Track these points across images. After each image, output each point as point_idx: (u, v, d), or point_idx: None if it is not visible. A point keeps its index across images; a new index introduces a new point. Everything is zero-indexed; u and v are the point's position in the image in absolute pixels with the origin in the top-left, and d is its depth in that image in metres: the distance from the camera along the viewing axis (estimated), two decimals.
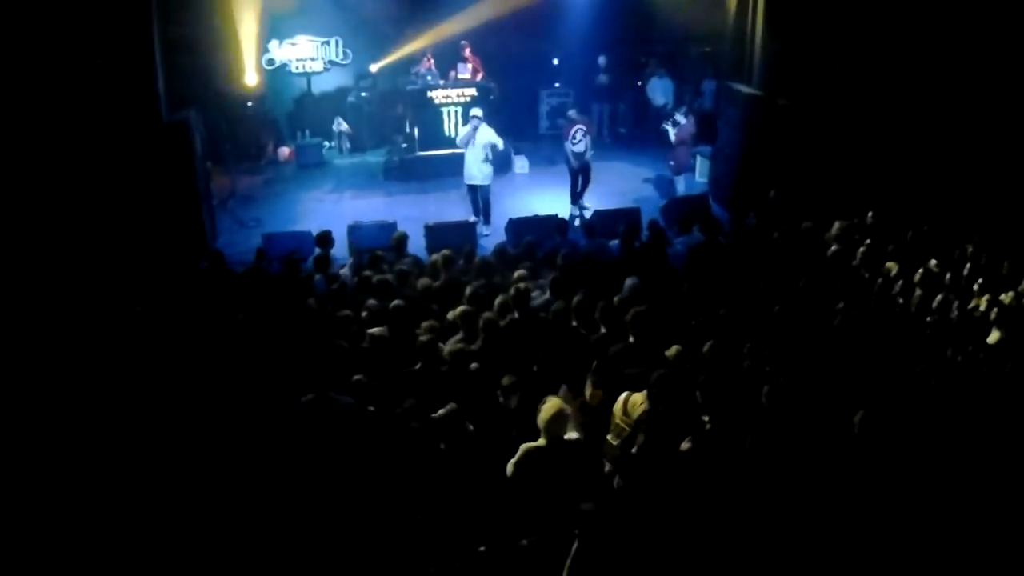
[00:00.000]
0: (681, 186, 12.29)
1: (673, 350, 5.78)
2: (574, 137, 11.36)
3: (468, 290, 6.85)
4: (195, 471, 4.82)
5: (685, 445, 4.72)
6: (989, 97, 9.58)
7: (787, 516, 4.31)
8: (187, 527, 4.36)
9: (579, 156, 11.40)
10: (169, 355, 6.24)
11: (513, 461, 4.74)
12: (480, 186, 11.04)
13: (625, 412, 5.09)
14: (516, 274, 7.28)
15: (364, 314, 6.59)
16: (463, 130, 11.13)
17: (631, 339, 5.88)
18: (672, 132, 12.13)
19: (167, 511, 4.49)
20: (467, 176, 11.08)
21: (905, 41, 9.80)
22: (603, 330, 6.10)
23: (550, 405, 4.74)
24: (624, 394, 5.18)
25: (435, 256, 8.02)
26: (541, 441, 4.73)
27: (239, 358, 6.07)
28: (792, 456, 4.68)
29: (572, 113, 12.04)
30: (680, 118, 12.23)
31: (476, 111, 11.17)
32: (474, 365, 5.71)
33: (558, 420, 4.69)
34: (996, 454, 4.71)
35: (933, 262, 7.24)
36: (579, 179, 11.57)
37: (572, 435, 4.82)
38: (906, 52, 9.83)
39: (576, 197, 11.61)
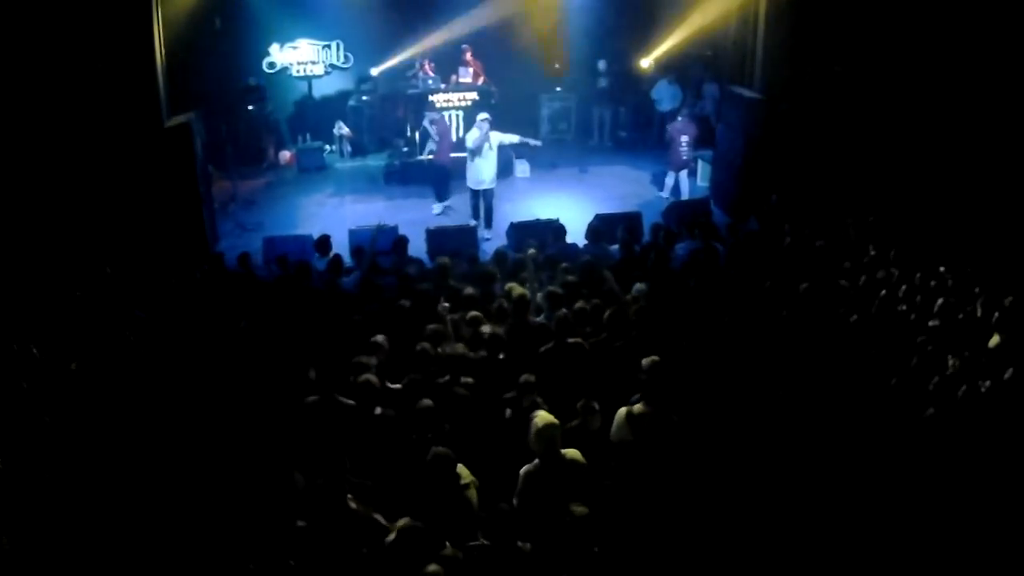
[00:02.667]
0: (672, 183, 12.25)
1: (649, 360, 5.72)
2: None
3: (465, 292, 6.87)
4: (194, 473, 4.81)
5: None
6: (989, 100, 9.58)
7: (791, 521, 4.31)
8: (187, 530, 4.35)
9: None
10: (169, 358, 6.24)
11: (517, 490, 4.56)
12: (486, 190, 11.04)
13: (628, 425, 5.04)
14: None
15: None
16: (473, 134, 10.96)
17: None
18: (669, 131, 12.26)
19: (167, 514, 4.48)
20: (475, 181, 11.01)
21: (905, 45, 9.81)
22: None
23: (540, 419, 4.55)
24: (623, 409, 5.10)
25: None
26: (536, 462, 4.54)
27: (240, 362, 6.07)
28: (796, 460, 4.68)
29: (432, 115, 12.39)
30: (679, 118, 12.32)
31: (483, 114, 11.10)
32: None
33: (548, 435, 4.49)
34: (996, 458, 4.70)
35: (941, 268, 7.19)
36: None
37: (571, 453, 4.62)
38: (906, 56, 9.84)
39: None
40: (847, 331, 6.16)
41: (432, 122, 12.19)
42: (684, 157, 12.13)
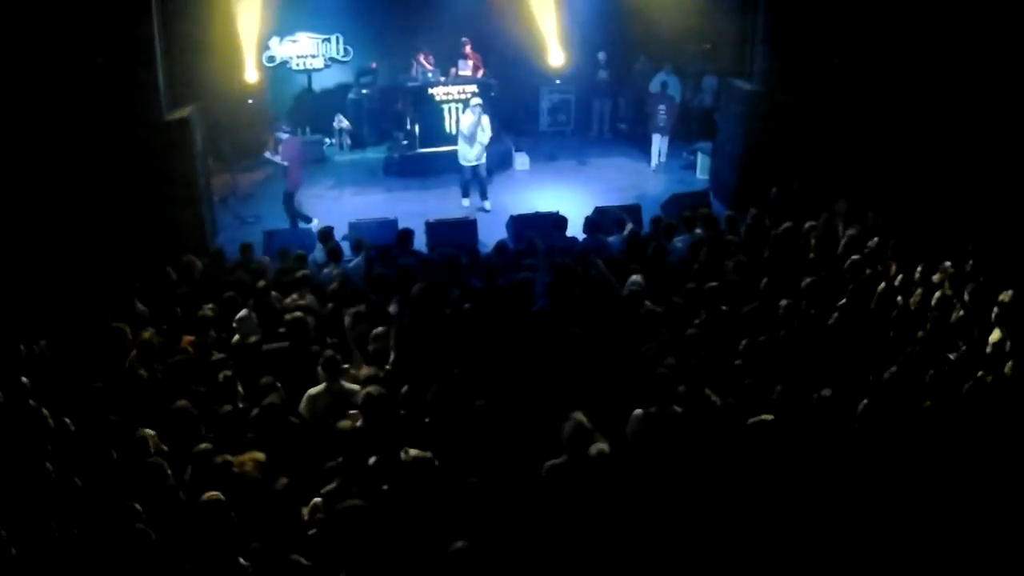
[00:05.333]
0: (657, 149, 13.49)
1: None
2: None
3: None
4: (192, 466, 4.83)
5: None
6: (989, 92, 9.58)
7: (789, 514, 4.33)
8: (184, 523, 4.37)
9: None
10: (166, 352, 6.25)
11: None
12: (478, 165, 11.64)
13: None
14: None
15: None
16: (467, 119, 11.54)
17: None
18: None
19: (165, 507, 4.51)
20: (466, 159, 11.56)
21: (905, 37, 9.80)
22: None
23: (573, 422, 4.67)
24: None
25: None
26: (563, 458, 4.68)
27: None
28: (795, 452, 4.70)
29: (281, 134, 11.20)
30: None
31: (476, 100, 11.70)
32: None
33: (580, 436, 4.62)
34: (995, 452, 4.72)
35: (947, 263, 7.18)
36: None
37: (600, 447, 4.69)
38: (906, 48, 9.83)
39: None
40: (846, 324, 6.17)
41: (281, 145, 10.98)
42: (660, 124, 13.38)
